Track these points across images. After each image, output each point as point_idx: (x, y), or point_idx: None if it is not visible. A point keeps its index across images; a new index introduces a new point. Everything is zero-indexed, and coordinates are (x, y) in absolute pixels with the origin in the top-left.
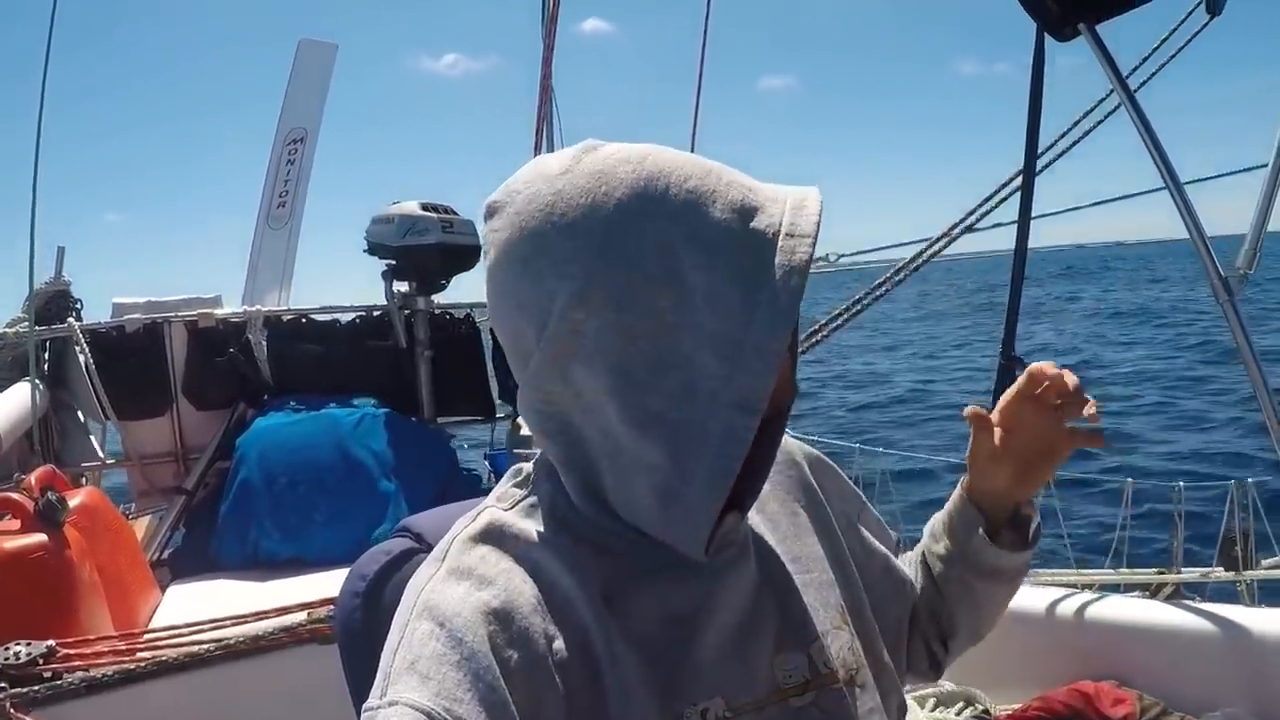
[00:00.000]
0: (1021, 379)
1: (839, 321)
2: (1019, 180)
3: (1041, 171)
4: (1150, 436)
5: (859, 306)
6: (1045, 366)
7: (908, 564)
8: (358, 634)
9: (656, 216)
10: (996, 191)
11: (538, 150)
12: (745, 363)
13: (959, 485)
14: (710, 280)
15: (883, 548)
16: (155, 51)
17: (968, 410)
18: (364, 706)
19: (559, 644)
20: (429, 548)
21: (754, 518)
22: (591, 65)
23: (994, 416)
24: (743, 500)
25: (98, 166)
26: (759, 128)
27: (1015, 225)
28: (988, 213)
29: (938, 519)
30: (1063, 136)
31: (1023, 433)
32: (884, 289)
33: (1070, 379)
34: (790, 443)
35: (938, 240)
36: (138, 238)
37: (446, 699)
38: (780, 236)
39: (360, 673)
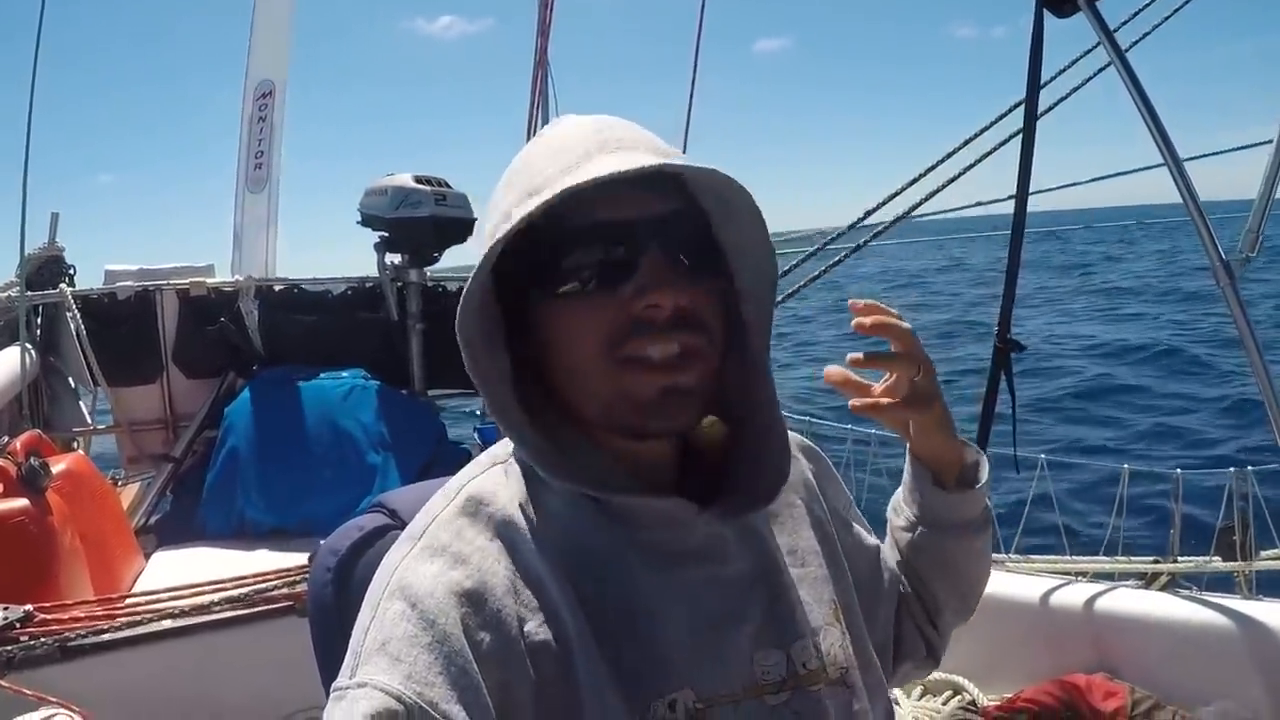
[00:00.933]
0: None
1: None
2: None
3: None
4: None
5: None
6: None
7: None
8: (328, 610)
9: (492, 209)
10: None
11: (531, 120)
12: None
13: (909, 453)
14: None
15: (870, 544)
16: (148, 9)
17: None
18: (334, 685)
19: (531, 627)
20: (403, 525)
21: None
22: (589, 29)
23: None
24: (720, 497)
25: (91, 127)
26: (755, 90)
27: (1013, 202)
28: (973, 165)
29: (896, 495)
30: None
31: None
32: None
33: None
34: (792, 439)
35: (911, 209)
36: (132, 199)
37: (418, 682)
38: (503, 222)
39: (330, 648)
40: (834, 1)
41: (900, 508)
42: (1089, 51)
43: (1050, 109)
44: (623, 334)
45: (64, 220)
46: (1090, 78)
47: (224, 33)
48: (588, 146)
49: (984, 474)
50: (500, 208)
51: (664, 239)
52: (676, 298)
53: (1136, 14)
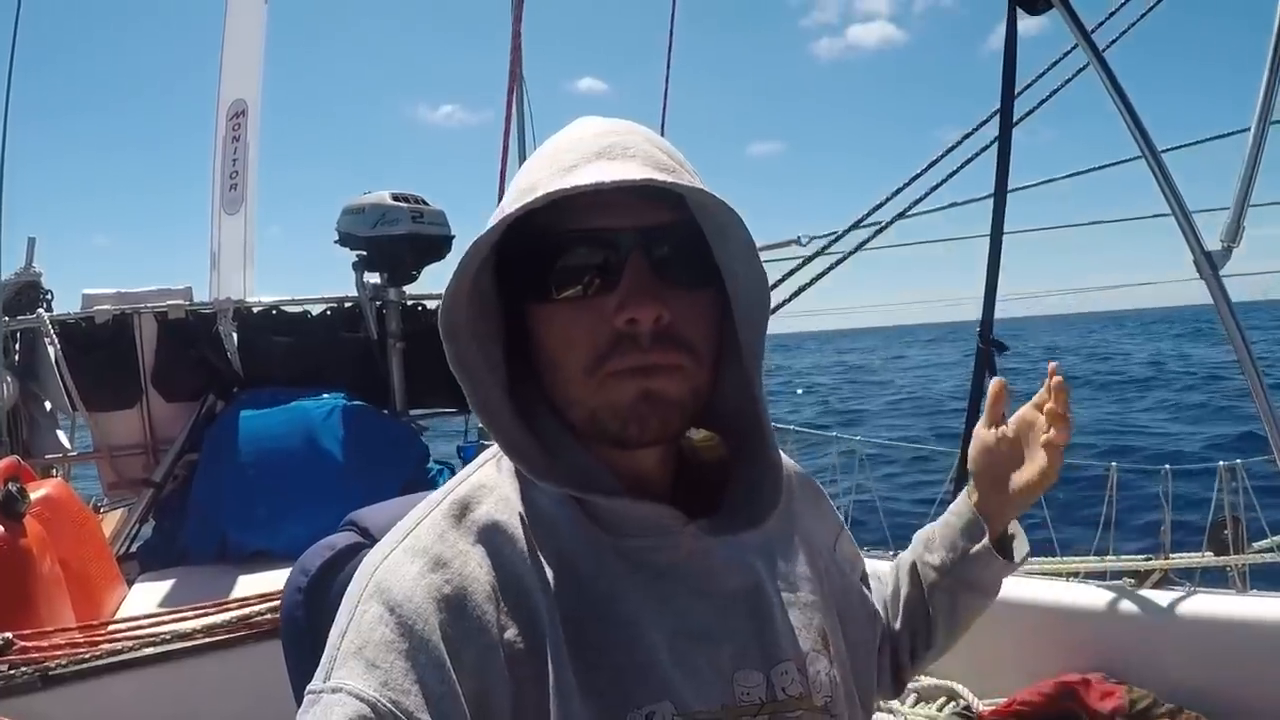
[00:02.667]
0: (1042, 392)
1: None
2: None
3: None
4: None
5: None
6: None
7: (890, 574)
8: (300, 631)
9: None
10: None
11: (506, 141)
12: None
13: (964, 495)
14: None
15: (855, 577)
16: (148, 64)
17: (994, 384)
18: (308, 688)
19: (510, 634)
20: (374, 542)
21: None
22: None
23: (1008, 424)
24: (711, 510)
25: (86, 188)
26: (750, 191)
27: (991, 201)
28: (955, 172)
29: (934, 530)
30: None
31: (1030, 444)
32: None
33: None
34: (786, 465)
35: (903, 210)
36: (128, 260)
37: (393, 690)
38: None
39: (302, 669)
40: (825, 107)
41: (935, 547)
42: (1066, 54)
43: (1030, 113)
44: (607, 348)
45: (61, 280)
46: (1069, 80)
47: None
48: (586, 151)
49: (1022, 551)
50: (502, 204)
51: (650, 249)
52: (658, 311)
53: (1112, 15)
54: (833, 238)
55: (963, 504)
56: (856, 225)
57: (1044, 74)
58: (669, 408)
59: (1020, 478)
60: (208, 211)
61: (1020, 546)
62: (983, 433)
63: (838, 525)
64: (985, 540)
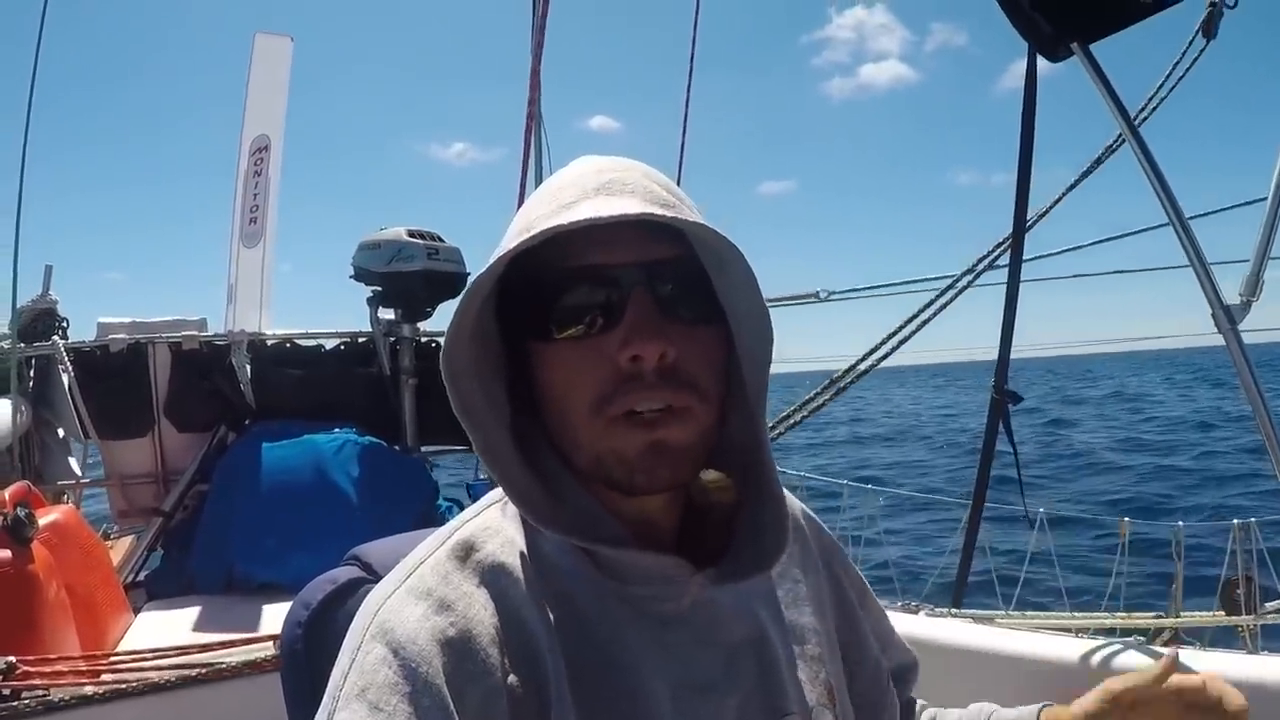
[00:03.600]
0: (1183, 685)
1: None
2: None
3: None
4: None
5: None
6: (1214, 686)
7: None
8: (300, 664)
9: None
10: (996, 250)
11: (524, 180)
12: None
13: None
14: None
15: (876, 650)
16: (159, 101)
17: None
18: None
19: (514, 680)
20: (377, 577)
21: (751, 581)
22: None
23: (1121, 692)
24: (716, 559)
25: (98, 224)
26: (760, 230)
27: (1009, 248)
28: (985, 268)
29: None
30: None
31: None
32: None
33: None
34: (795, 509)
35: (934, 302)
36: (141, 295)
37: None
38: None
39: (300, 703)
40: (838, 145)
41: None
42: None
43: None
44: (611, 388)
45: (73, 315)
46: (1110, 153)
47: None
48: (585, 187)
49: None
50: (502, 242)
51: (653, 285)
52: (663, 348)
53: (1152, 98)
54: (852, 294)
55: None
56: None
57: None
58: (679, 456)
59: None
60: (227, 244)
61: None
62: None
63: (861, 585)
64: None
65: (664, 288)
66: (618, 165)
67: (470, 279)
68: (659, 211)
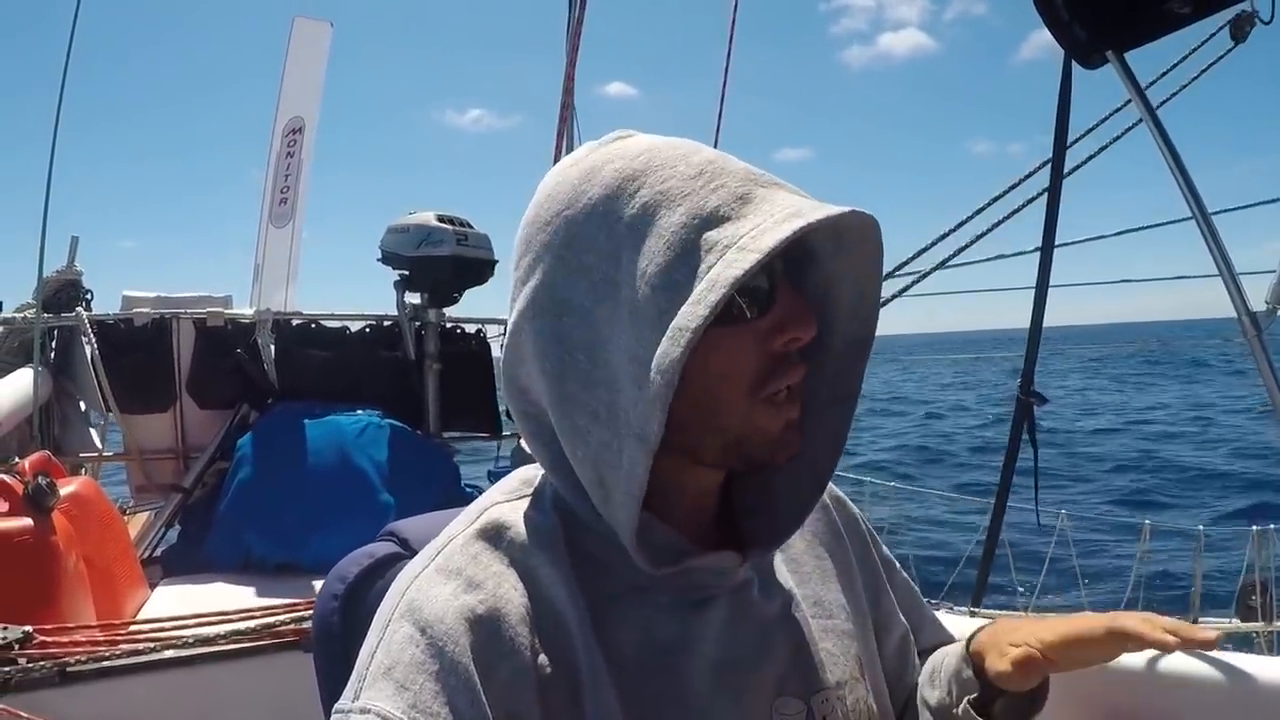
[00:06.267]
0: (1102, 632)
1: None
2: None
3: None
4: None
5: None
6: (1145, 632)
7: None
8: (334, 638)
9: (616, 221)
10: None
11: (558, 154)
12: (646, 386)
13: (966, 643)
14: (641, 292)
15: (904, 625)
16: (183, 75)
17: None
18: (336, 706)
19: (544, 659)
20: (413, 553)
21: (775, 556)
22: (615, 125)
23: (1040, 653)
24: (747, 541)
25: (113, 192)
26: None
27: (1038, 255)
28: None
29: (940, 662)
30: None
31: (1069, 664)
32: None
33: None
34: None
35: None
36: (154, 264)
37: (422, 712)
38: (731, 249)
39: (333, 677)
40: (855, 114)
41: (937, 682)
42: (1119, 109)
43: (1079, 167)
44: (767, 372)
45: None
46: (1118, 137)
47: (252, 112)
48: (740, 177)
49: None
50: (662, 234)
51: (787, 273)
52: (810, 331)
53: (1166, 73)
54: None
55: (960, 652)
56: (892, 274)
57: (1094, 128)
58: (796, 433)
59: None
60: (256, 223)
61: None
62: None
63: (890, 562)
64: (967, 703)
65: (791, 273)
66: (714, 151)
67: (714, 281)
68: (863, 211)
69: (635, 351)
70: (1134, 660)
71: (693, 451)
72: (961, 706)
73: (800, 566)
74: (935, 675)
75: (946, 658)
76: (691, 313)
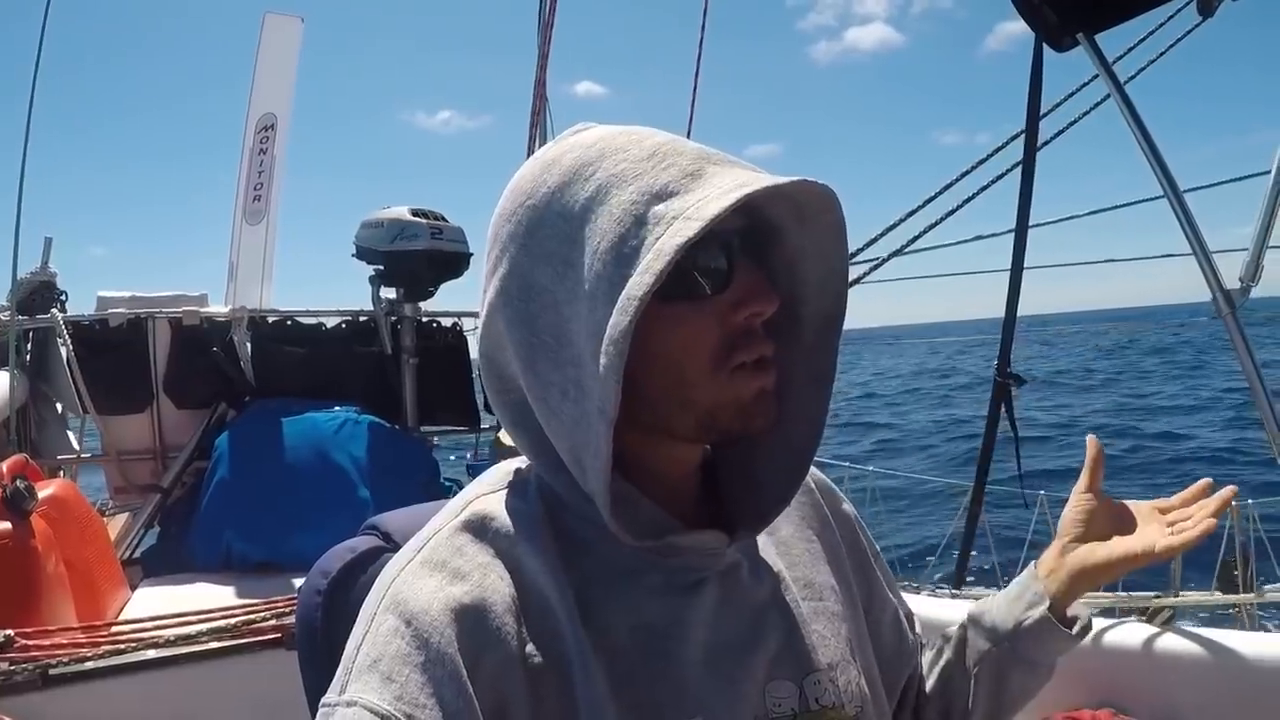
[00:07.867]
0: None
1: None
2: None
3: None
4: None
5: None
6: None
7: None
8: (316, 633)
9: (573, 205)
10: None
11: (529, 153)
12: (601, 359)
13: (1030, 569)
14: (594, 269)
15: (895, 601)
16: (152, 82)
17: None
18: (322, 700)
19: (531, 648)
20: (396, 547)
21: (763, 540)
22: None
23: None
24: (734, 523)
25: (82, 198)
26: None
27: (1012, 235)
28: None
29: (989, 600)
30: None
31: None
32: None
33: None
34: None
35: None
36: (125, 271)
37: (408, 704)
38: (678, 220)
39: (317, 672)
40: (823, 109)
41: (989, 616)
42: (1085, 84)
43: (1049, 141)
44: (729, 346)
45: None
46: (1088, 111)
47: (223, 119)
48: (691, 156)
49: (1083, 624)
50: (613, 212)
51: (747, 250)
52: (776, 304)
53: (1132, 49)
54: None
55: (1026, 575)
56: (860, 251)
57: (1061, 103)
58: (771, 400)
59: (1123, 546)
60: (229, 225)
61: (1081, 620)
62: (1085, 497)
63: (873, 545)
64: (1044, 608)
65: (751, 250)
66: (668, 135)
67: (655, 255)
68: (810, 179)
69: (593, 327)
70: (1128, 639)
71: (668, 428)
72: (1041, 611)
73: (789, 550)
74: (984, 612)
75: (997, 596)
76: (638, 282)
